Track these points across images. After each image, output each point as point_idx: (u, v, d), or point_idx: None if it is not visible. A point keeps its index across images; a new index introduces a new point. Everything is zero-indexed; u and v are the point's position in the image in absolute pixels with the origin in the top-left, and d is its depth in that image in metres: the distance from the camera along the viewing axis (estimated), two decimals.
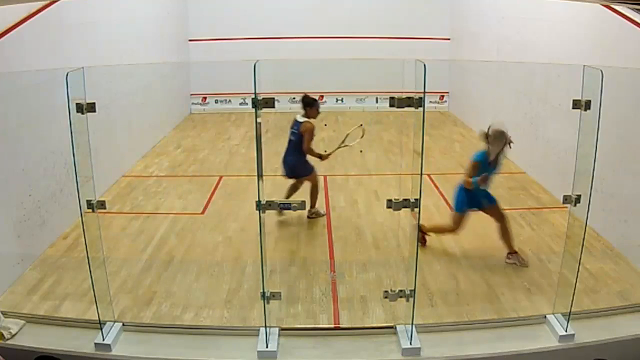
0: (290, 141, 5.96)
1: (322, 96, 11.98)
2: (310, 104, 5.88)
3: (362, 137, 6.23)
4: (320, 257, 5.32)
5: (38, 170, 5.27)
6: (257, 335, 3.90)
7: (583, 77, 3.70)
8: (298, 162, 5.98)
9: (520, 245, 5.46)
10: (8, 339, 3.86)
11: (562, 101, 6.38)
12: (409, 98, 3.59)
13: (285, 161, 6.08)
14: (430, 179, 7.27)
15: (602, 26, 5.73)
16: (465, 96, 10.97)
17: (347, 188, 7.10)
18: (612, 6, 5.41)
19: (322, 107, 11.98)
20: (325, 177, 7.25)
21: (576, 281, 3.93)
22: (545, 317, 4.11)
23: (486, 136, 4.93)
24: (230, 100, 11.97)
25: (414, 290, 3.82)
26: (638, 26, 5.14)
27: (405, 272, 4.17)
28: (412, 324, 3.86)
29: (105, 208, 3.81)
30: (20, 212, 4.94)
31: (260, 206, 3.68)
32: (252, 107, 3.52)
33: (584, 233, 3.85)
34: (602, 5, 5.52)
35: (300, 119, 5.88)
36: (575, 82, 3.79)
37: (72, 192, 4.10)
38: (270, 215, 5.77)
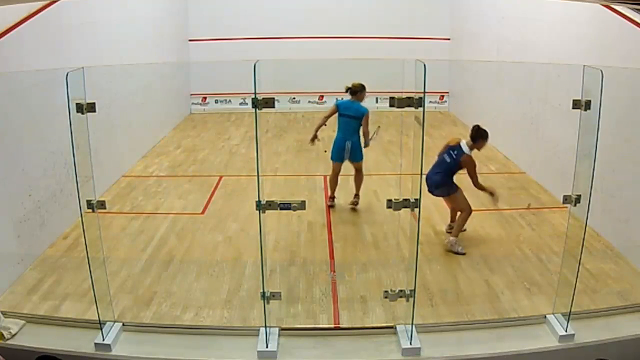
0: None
1: (322, 96, 12.00)
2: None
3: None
4: (320, 257, 5.32)
5: (38, 170, 5.27)
6: (257, 335, 3.90)
7: (583, 77, 3.70)
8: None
9: (520, 245, 5.47)
10: (8, 339, 3.86)
11: (562, 101, 6.38)
12: (409, 98, 3.59)
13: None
14: None
15: (602, 26, 5.74)
16: (465, 96, 10.97)
17: (347, 188, 7.09)
18: (612, 6, 5.41)
19: (322, 107, 12.07)
20: (325, 177, 7.25)
21: (576, 281, 3.93)
22: (545, 317, 4.10)
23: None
24: (230, 100, 11.96)
25: (414, 290, 3.82)
26: (638, 26, 5.14)
27: (405, 272, 4.17)
28: (412, 324, 3.86)
29: (105, 208, 3.81)
30: (20, 212, 4.94)
31: (260, 206, 3.69)
32: (252, 107, 3.52)
33: (584, 233, 3.85)
34: (602, 5, 5.52)
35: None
36: (575, 82, 3.79)
37: (72, 192, 4.10)
38: (271, 215, 5.80)
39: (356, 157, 6.38)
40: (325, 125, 6.50)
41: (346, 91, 6.35)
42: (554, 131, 6.81)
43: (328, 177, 6.68)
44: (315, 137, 6.47)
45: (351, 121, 6.23)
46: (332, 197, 6.60)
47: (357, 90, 6.30)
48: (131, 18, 8.11)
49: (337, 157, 6.38)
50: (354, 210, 6.47)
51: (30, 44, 5.18)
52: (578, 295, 4.00)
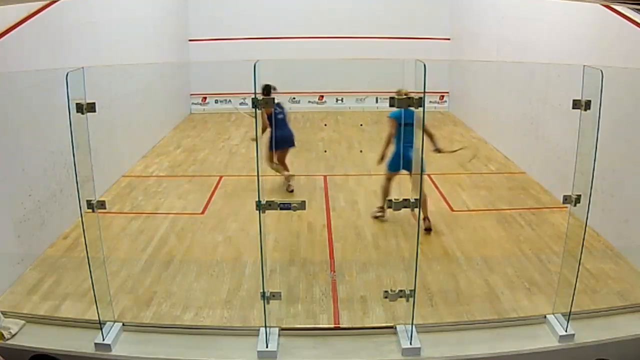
0: (280, 119, 6.83)
1: (322, 96, 12.00)
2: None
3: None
4: (320, 257, 5.32)
5: (38, 170, 5.27)
6: (257, 335, 3.90)
7: (583, 77, 3.70)
8: (290, 133, 6.99)
9: (520, 245, 5.48)
10: (8, 339, 3.86)
11: (562, 101, 6.38)
12: (409, 98, 3.59)
13: (288, 136, 6.92)
14: (430, 179, 7.27)
15: (602, 26, 5.74)
16: (465, 96, 10.97)
17: (347, 188, 7.10)
18: (612, 6, 5.41)
19: (322, 107, 12.09)
20: (325, 177, 7.25)
21: (576, 281, 3.93)
22: (545, 317, 4.10)
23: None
24: (230, 100, 11.97)
25: (414, 290, 3.81)
26: (638, 26, 5.14)
27: (405, 272, 4.17)
28: (412, 324, 3.86)
29: (105, 208, 3.81)
30: (20, 212, 4.94)
31: (260, 206, 3.68)
32: (252, 107, 3.53)
33: (584, 233, 3.85)
34: (602, 5, 5.52)
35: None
36: (575, 82, 3.78)
37: (72, 192, 4.10)
38: (270, 215, 5.81)
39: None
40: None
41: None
42: (554, 131, 6.81)
43: (381, 187, 6.19)
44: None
45: (410, 128, 5.71)
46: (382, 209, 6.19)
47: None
48: (131, 18, 8.11)
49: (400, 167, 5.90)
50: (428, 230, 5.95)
51: (30, 44, 5.18)
52: (578, 295, 4.00)
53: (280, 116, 6.80)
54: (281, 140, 6.83)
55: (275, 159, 6.98)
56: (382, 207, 6.15)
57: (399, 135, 5.82)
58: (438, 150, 5.98)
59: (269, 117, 6.65)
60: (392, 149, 5.93)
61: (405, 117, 5.67)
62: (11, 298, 4.52)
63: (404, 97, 5.13)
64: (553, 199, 6.61)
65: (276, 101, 3.55)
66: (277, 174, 6.97)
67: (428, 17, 11.75)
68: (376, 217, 6.12)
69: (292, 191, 6.93)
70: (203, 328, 4.11)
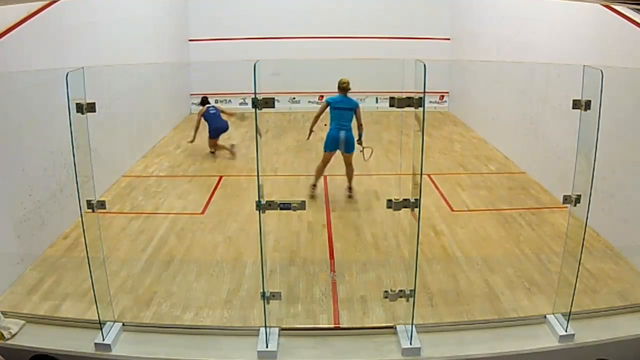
0: (213, 114, 8.59)
1: (322, 96, 11.99)
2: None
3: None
4: (320, 257, 5.32)
5: (38, 170, 5.27)
6: (257, 335, 3.90)
7: (583, 77, 3.70)
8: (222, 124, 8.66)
9: (520, 245, 5.48)
10: (8, 339, 3.86)
11: (562, 101, 6.39)
12: (409, 98, 3.59)
13: (221, 126, 8.59)
14: (430, 179, 7.28)
15: (602, 26, 5.74)
16: (465, 96, 10.97)
17: (345, 187, 7.09)
18: (612, 6, 5.41)
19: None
20: (325, 177, 7.25)
21: (576, 281, 3.93)
22: (545, 317, 4.10)
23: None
24: (230, 100, 11.96)
25: (414, 290, 3.82)
26: (638, 26, 5.15)
27: (405, 272, 4.17)
28: (412, 324, 3.86)
29: (105, 208, 3.81)
30: (20, 212, 4.94)
31: (260, 206, 3.69)
32: (252, 107, 3.53)
33: (584, 233, 3.85)
34: (602, 5, 5.52)
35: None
36: (575, 82, 3.79)
37: (72, 192, 4.10)
38: (271, 215, 5.82)
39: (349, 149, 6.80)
40: (326, 125, 6.55)
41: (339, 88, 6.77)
42: (554, 131, 6.81)
43: (316, 166, 6.96)
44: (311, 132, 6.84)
45: (344, 113, 6.64)
46: (315, 186, 6.93)
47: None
48: (131, 18, 8.11)
49: (331, 147, 6.76)
50: (350, 197, 6.82)
51: (30, 44, 5.18)
52: (578, 295, 4.00)
53: (212, 111, 8.50)
54: (215, 130, 8.47)
55: (211, 145, 8.64)
56: (314, 185, 6.92)
57: (332, 118, 6.65)
58: (360, 142, 6.65)
59: (204, 115, 8.48)
60: (327, 133, 6.76)
61: (339, 102, 6.65)
62: (11, 298, 4.52)
63: (344, 85, 6.72)
64: (553, 199, 6.61)
65: (276, 100, 3.55)
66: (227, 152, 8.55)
67: (428, 17, 11.75)
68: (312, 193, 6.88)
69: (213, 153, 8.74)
70: (203, 328, 4.11)
